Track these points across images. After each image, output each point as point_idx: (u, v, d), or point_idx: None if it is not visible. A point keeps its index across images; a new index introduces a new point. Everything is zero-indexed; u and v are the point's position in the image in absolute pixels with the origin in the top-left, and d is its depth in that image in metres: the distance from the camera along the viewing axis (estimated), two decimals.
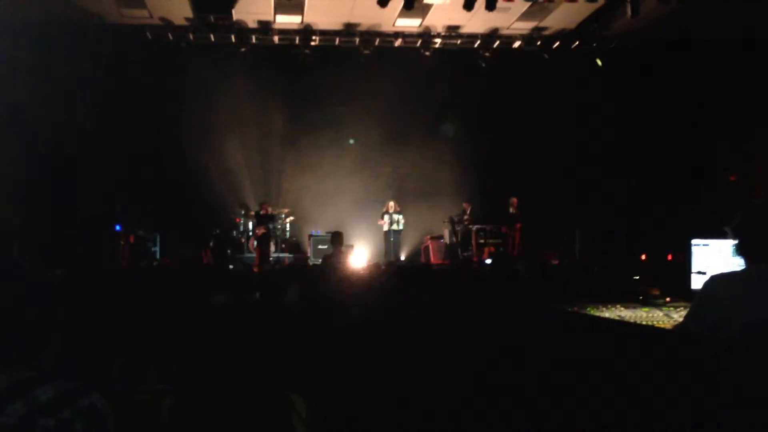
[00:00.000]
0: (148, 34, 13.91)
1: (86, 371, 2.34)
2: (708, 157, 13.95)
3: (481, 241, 15.08)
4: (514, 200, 14.89)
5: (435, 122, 15.21)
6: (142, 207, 13.81)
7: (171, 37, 14.07)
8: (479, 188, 15.34)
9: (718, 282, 2.74)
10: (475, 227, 15.06)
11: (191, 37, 14.12)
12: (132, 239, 13.62)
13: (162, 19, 13.61)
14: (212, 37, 14.21)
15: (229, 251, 14.66)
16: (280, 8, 13.16)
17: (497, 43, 14.86)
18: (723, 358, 1.94)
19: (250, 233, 15.14)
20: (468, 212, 15.17)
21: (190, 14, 13.42)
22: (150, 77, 13.83)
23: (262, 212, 14.41)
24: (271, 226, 14.55)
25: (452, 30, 14.54)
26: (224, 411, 1.83)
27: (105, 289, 3.84)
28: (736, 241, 2.82)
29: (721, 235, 3.37)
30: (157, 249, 14.44)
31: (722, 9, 12.14)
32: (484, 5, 11.93)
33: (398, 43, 14.72)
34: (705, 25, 13.07)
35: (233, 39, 14.27)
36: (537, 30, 14.49)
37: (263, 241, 14.23)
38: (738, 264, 2.81)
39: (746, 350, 1.94)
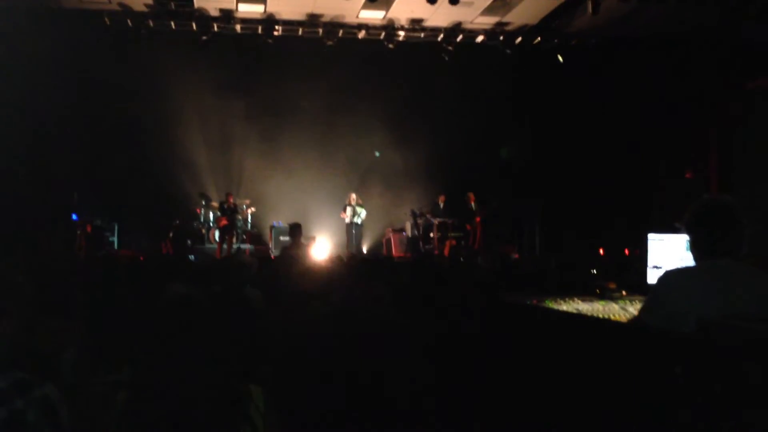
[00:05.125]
0: (106, 19, 13.62)
1: (39, 362, 2.30)
2: (665, 153, 14.22)
3: (442, 234, 15.18)
4: (471, 195, 15.05)
5: (398, 115, 15.21)
6: (100, 196, 13.59)
7: (130, 24, 13.80)
8: (441, 182, 15.43)
9: (672, 277, 2.79)
10: (436, 221, 15.16)
11: (151, 24, 13.87)
12: (89, 229, 13.39)
13: (121, 5, 13.34)
14: (173, 25, 13.98)
15: (189, 242, 14.50)
16: None
17: (460, 37, 14.92)
18: (676, 351, 1.98)
19: (211, 224, 15.01)
20: (442, 205, 15.27)
21: (149, 0, 13.19)
22: (109, 64, 13.58)
23: (226, 204, 14.24)
24: (235, 217, 14.44)
25: (416, 23, 14.55)
26: (181, 402, 1.82)
27: (60, 279, 3.77)
28: (688, 237, 2.87)
29: (676, 230, 3.43)
30: (115, 239, 14.22)
31: (680, 7, 12.36)
32: None
33: (362, 35, 14.68)
34: (664, 23, 13.29)
35: (194, 27, 14.07)
36: (500, 25, 14.58)
37: (225, 232, 14.12)
38: (691, 259, 2.86)
39: (699, 344, 1.99)
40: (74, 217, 13.25)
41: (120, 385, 1.97)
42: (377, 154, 16.05)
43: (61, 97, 13.18)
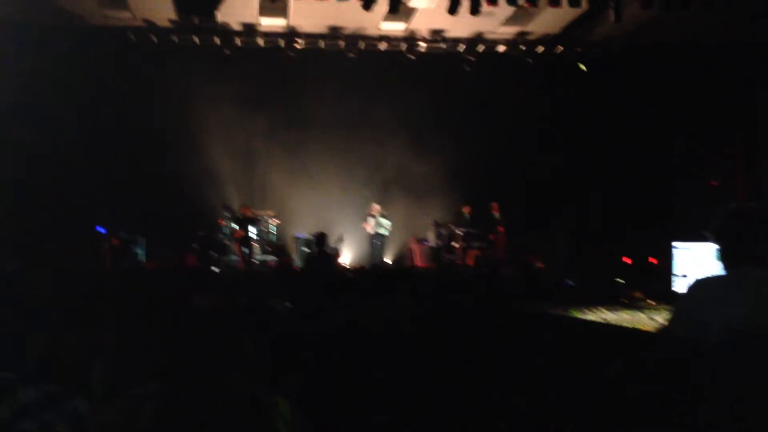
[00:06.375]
0: (131, 35, 13.80)
1: (68, 373, 2.33)
2: (690, 161, 14.08)
3: (465, 244, 15.12)
4: (495, 204, 14.97)
5: (420, 126, 15.21)
6: (126, 209, 13.72)
7: (154, 39, 13.97)
8: (464, 192, 15.38)
9: (701, 286, 2.76)
10: (459, 231, 15.10)
11: (175, 39, 14.03)
12: (115, 241, 13.52)
13: (145, 20, 13.53)
14: (196, 40, 14.13)
15: (213, 254, 14.58)
16: (264, 11, 13.12)
17: (482, 47, 14.90)
18: (707, 361, 1.96)
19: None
20: (468, 216, 15.21)
21: (173, 16, 13.35)
22: (134, 79, 13.75)
23: (241, 215, 14.32)
24: (252, 228, 14.47)
25: (437, 34, 14.57)
26: (208, 414, 1.82)
27: (88, 290, 3.81)
28: (716, 245, 2.84)
29: (702, 239, 3.40)
30: (141, 251, 14.33)
31: (704, 14, 12.25)
32: (468, 10, 11.98)
33: (383, 46, 14.72)
34: (688, 30, 13.18)
35: (217, 41, 14.21)
36: (521, 35, 14.55)
37: (242, 244, 14.18)
38: (719, 267, 2.83)
39: (729, 353, 1.96)
40: (101, 229, 13.39)
41: (147, 397, 1.98)
42: None
43: (87, 111, 13.36)
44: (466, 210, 15.25)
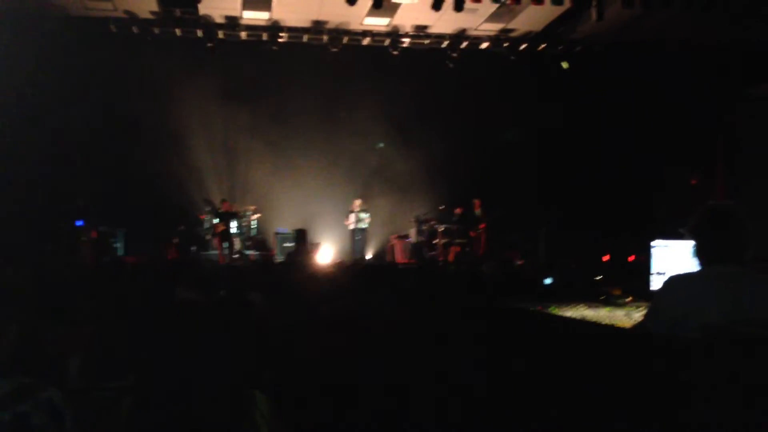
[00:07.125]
0: (112, 27, 13.66)
1: (44, 367, 2.31)
2: (670, 160, 14.19)
3: (446, 240, 15.17)
4: (477, 202, 15.03)
5: (403, 122, 15.21)
6: (105, 202, 13.61)
7: (136, 31, 13.84)
8: (445, 189, 15.41)
9: (675, 283, 2.78)
10: (440, 227, 15.14)
11: (156, 31, 13.91)
12: (94, 235, 13.42)
13: (126, 12, 13.40)
14: (178, 32, 14.03)
15: (193, 248, 14.52)
16: (247, 3, 13.05)
17: (465, 43, 14.93)
18: (680, 357, 1.98)
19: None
20: (456, 218, 15.23)
21: (155, 8, 13.22)
22: (114, 71, 13.63)
23: (221, 209, 14.29)
24: (233, 222, 14.44)
25: (420, 30, 14.57)
26: (185, 408, 1.82)
27: (65, 284, 3.78)
28: (692, 243, 2.87)
29: (680, 236, 3.43)
30: (121, 245, 14.24)
31: (685, 14, 12.36)
32: (452, 6, 11.99)
33: (366, 41, 14.71)
34: (669, 29, 13.29)
35: (199, 34, 14.12)
36: (504, 32, 14.59)
37: (223, 238, 14.15)
38: (695, 264, 2.86)
39: (703, 350, 1.98)
40: (79, 223, 13.27)
41: (125, 390, 1.97)
42: (380, 145, 16.03)
43: (66, 103, 13.21)
44: (458, 211, 15.26)
